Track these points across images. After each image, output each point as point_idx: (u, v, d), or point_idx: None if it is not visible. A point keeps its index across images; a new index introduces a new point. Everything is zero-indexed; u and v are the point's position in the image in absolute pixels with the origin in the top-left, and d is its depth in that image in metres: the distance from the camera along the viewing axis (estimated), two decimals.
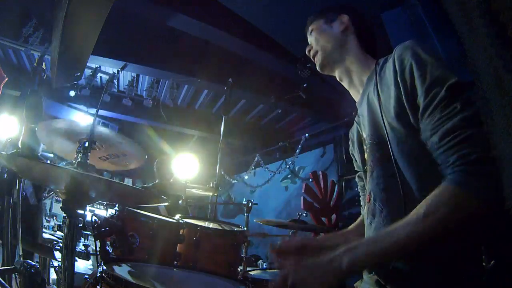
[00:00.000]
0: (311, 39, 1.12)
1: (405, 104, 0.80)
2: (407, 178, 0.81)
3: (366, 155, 1.00)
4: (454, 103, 0.72)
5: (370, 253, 0.69)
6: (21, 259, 1.58)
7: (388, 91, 0.86)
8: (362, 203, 1.13)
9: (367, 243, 0.73)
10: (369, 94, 0.96)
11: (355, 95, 1.07)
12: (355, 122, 1.08)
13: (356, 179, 1.17)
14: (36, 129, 1.63)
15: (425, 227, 0.66)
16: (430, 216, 0.66)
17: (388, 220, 0.85)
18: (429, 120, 0.75)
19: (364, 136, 0.99)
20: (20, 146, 1.63)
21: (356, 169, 1.17)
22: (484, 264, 0.72)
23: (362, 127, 1.01)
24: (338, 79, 1.11)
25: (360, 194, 1.17)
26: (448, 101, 0.73)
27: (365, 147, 1.00)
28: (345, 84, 1.10)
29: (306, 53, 1.13)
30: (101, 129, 1.58)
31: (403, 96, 0.81)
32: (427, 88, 0.76)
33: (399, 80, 0.82)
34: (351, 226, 1.14)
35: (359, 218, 1.13)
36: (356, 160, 1.15)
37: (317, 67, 1.11)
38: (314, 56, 1.10)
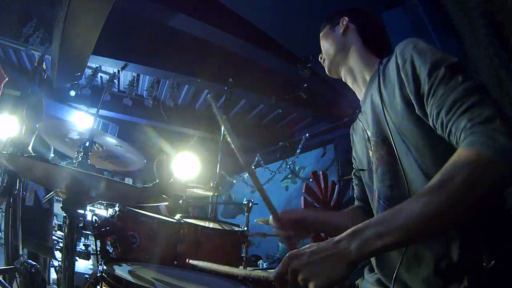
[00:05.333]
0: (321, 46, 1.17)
1: (410, 96, 0.80)
2: (412, 175, 0.81)
3: (371, 154, 0.99)
4: (456, 76, 0.72)
5: (381, 235, 0.60)
6: (22, 258, 1.58)
7: (392, 88, 0.86)
8: (356, 193, 1.18)
9: (376, 224, 0.63)
10: (372, 93, 0.96)
11: (359, 94, 1.08)
12: (358, 120, 1.08)
13: (352, 176, 1.18)
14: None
15: (443, 197, 0.58)
16: (448, 184, 0.59)
17: None
18: (433, 98, 0.74)
19: (369, 134, 0.99)
20: (30, 151, 1.64)
21: (354, 167, 1.18)
22: (484, 264, 0.71)
23: (366, 125, 1.02)
24: (343, 80, 1.13)
25: (355, 190, 1.19)
26: (449, 76, 0.72)
27: (369, 145, 1.01)
28: (349, 83, 1.11)
29: (321, 62, 1.17)
30: (101, 135, 1.57)
31: (406, 88, 0.81)
32: (429, 72, 0.75)
33: (402, 74, 0.82)
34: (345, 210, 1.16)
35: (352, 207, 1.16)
36: (356, 159, 1.15)
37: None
38: (323, 63, 1.15)
